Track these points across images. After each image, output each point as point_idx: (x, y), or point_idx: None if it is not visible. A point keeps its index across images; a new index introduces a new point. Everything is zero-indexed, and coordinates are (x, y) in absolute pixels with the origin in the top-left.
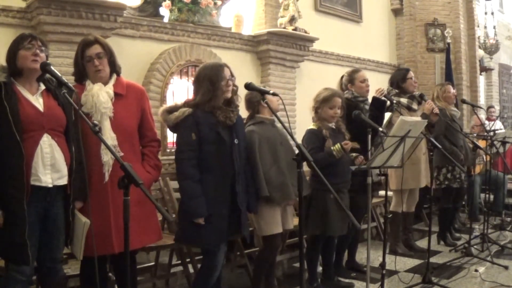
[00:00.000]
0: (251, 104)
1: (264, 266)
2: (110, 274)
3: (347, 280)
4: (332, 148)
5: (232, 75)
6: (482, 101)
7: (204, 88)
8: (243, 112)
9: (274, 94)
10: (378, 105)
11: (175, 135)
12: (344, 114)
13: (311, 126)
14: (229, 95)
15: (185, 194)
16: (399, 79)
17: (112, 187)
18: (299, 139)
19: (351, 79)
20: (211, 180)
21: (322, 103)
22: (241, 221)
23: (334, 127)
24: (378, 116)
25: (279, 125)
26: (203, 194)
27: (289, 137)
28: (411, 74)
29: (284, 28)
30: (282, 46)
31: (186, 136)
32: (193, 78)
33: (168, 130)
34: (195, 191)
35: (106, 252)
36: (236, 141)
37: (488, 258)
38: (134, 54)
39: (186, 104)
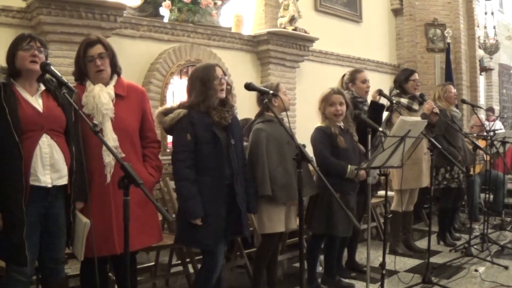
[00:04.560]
0: (261, 101)
1: (263, 264)
2: (110, 274)
3: (347, 280)
4: (350, 166)
5: (224, 73)
6: (482, 101)
7: (197, 89)
8: (245, 111)
9: (274, 95)
10: (376, 108)
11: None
12: (350, 111)
13: (320, 123)
14: (223, 95)
15: (181, 195)
16: (402, 79)
17: (114, 188)
18: (299, 139)
19: (353, 78)
20: (207, 181)
21: (323, 102)
22: (242, 221)
23: (342, 126)
24: (376, 118)
25: (287, 124)
26: (199, 194)
27: (295, 135)
28: (415, 76)
29: (284, 28)
30: (282, 46)
31: (181, 137)
32: (188, 79)
33: None
34: (190, 192)
35: (108, 253)
36: (232, 141)
37: (488, 258)
38: (134, 54)
39: (181, 105)
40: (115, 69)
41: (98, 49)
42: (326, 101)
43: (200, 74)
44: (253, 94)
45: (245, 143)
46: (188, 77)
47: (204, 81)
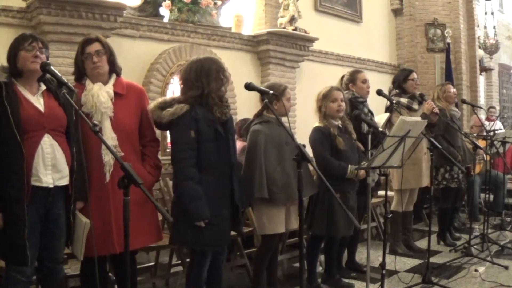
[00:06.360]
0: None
1: (264, 265)
2: (110, 274)
3: (347, 280)
4: (350, 166)
5: None
6: (482, 101)
7: (212, 77)
8: (245, 111)
9: (274, 95)
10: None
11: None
12: (349, 111)
13: (317, 123)
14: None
15: (186, 196)
16: (400, 79)
17: (113, 187)
18: (299, 139)
19: (353, 79)
20: (210, 180)
21: (323, 100)
22: (239, 219)
23: (340, 125)
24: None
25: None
26: (204, 195)
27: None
28: (414, 75)
29: (284, 28)
30: (282, 46)
31: (184, 134)
32: (187, 72)
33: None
34: (197, 192)
35: (108, 252)
36: (230, 136)
37: (488, 258)
38: (134, 54)
39: (182, 100)
40: (114, 68)
41: (95, 46)
42: (327, 98)
43: (213, 64)
44: (253, 94)
45: (243, 144)
46: (196, 68)
47: (218, 70)
